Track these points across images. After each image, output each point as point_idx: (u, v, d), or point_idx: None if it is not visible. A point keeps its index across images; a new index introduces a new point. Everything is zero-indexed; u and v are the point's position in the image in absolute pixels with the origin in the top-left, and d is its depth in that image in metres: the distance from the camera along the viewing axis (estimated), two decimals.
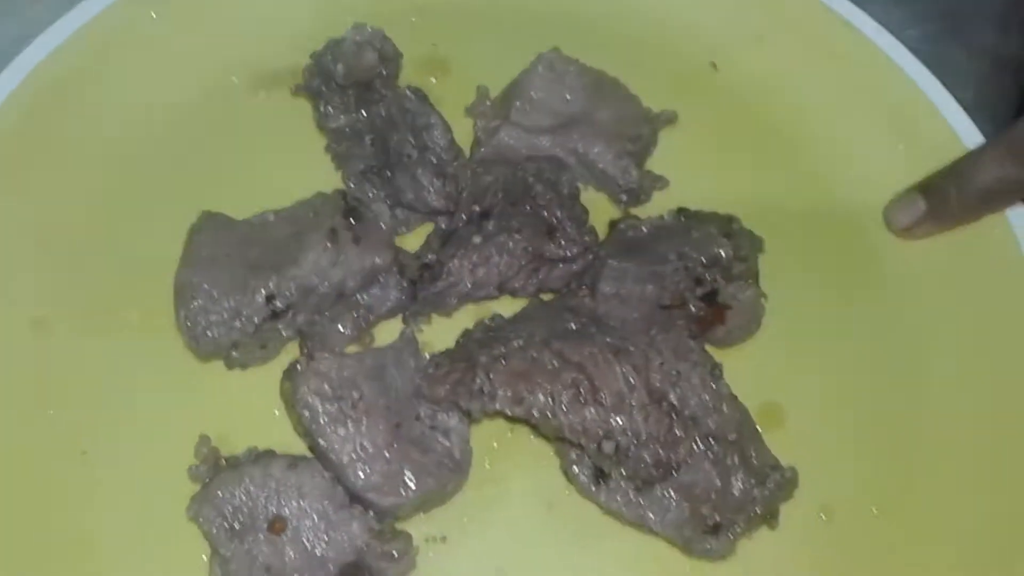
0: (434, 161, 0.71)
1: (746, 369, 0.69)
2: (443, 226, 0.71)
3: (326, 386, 0.62)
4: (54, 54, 0.74)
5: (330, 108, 0.74)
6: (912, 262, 0.74)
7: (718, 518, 0.62)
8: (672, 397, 0.63)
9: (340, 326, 0.69)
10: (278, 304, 0.66)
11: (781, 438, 0.66)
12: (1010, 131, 0.69)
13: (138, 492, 0.65)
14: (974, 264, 0.73)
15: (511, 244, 0.68)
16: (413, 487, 0.62)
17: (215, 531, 0.61)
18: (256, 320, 0.66)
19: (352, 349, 0.69)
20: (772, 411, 0.69)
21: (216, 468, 0.64)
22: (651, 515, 0.63)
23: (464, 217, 0.70)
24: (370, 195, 0.72)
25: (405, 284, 0.69)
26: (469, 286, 0.68)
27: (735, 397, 0.65)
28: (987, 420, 0.69)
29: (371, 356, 0.65)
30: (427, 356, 0.67)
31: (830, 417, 0.69)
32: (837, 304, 0.73)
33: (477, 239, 0.68)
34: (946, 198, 0.72)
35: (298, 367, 0.62)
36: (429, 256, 0.69)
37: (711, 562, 0.63)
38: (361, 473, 0.61)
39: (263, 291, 0.66)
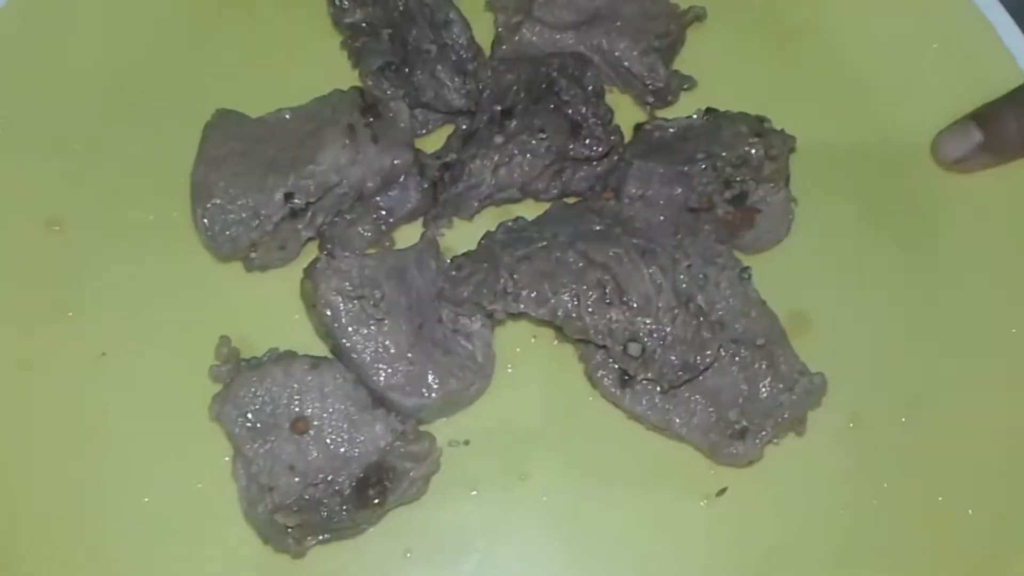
0: (454, 58, 0.69)
1: (774, 275, 0.67)
2: (463, 127, 0.69)
3: (347, 284, 0.60)
4: None
5: (345, 2, 0.72)
6: (952, 184, 0.71)
7: (745, 423, 0.62)
8: (699, 300, 0.62)
9: (360, 228, 0.68)
10: (297, 202, 0.64)
11: (809, 345, 0.65)
12: None
13: (159, 393, 0.65)
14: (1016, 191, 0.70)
15: (534, 143, 0.66)
16: (436, 387, 0.61)
17: (237, 431, 0.60)
18: (275, 219, 0.64)
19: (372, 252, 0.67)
20: (800, 318, 0.68)
21: (237, 368, 0.63)
22: (676, 419, 0.62)
23: (485, 117, 0.68)
24: (388, 93, 0.70)
25: (425, 186, 0.68)
26: (491, 187, 0.66)
27: (763, 302, 0.64)
28: (1015, 331, 0.67)
29: (392, 257, 0.63)
30: (448, 259, 0.65)
31: (859, 326, 0.68)
32: (870, 215, 0.71)
33: (499, 139, 0.66)
34: (1005, 128, 0.67)
35: (318, 265, 0.61)
36: (450, 156, 0.67)
37: (736, 467, 0.63)
38: (383, 373, 0.60)
39: (281, 189, 0.64)
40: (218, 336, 0.64)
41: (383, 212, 0.68)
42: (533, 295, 0.60)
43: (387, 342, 0.61)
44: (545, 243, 0.62)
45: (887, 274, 0.69)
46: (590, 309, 0.60)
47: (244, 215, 0.64)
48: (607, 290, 0.61)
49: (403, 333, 0.61)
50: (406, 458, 0.61)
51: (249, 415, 0.60)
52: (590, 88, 0.67)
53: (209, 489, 0.62)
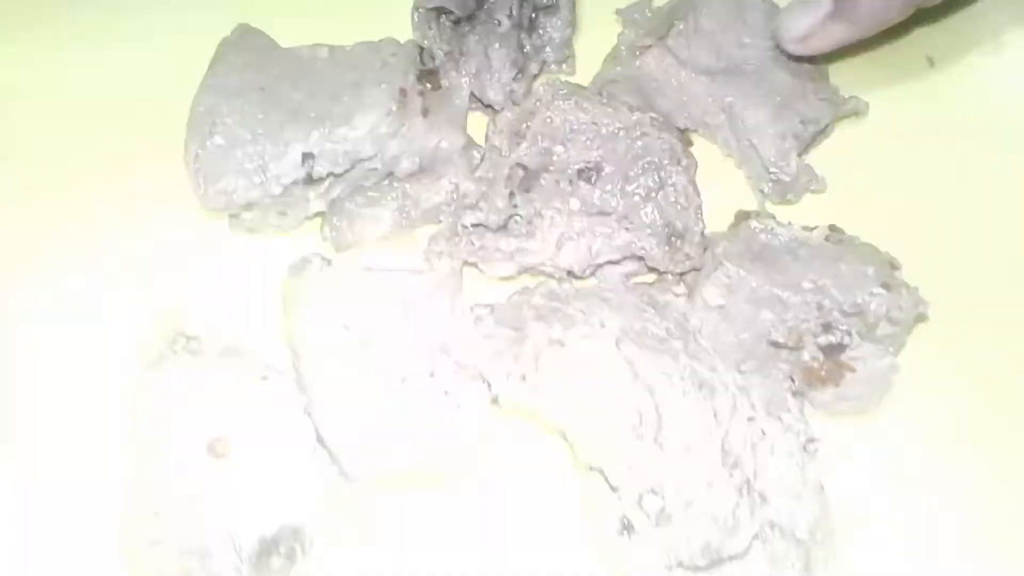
0: (525, 49, 0.57)
1: (840, 448, 0.54)
2: (501, 148, 0.55)
3: (337, 307, 0.48)
4: None
5: None
6: None
7: None
8: (748, 468, 0.49)
9: (379, 212, 0.55)
10: (317, 168, 0.52)
11: (858, 550, 0.52)
12: None
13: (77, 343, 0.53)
14: None
15: (618, 239, 0.53)
16: (391, 464, 0.49)
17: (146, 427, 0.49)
18: (285, 180, 0.53)
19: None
20: (857, 509, 0.54)
21: (172, 346, 0.51)
22: None
23: (546, 148, 0.54)
24: (438, 52, 0.57)
25: (463, 194, 0.55)
26: (543, 259, 0.53)
27: (822, 487, 0.51)
28: None
29: (402, 282, 0.51)
30: (468, 303, 0.52)
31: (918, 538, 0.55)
32: (979, 408, 0.57)
33: (574, 203, 0.53)
34: None
35: (309, 268, 0.48)
36: (501, 204, 0.53)
37: None
38: (340, 426, 0.48)
39: (301, 146, 0.52)
40: (167, 300, 0.53)
41: (410, 200, 0.56)
42: (552, 396, 0.48)
43: (358, 388, 0.48)
44: (588, 331, 0.50)
45: (973, 491, 0.56)
46: (616, 439, 0.47)
47: (248, 166, 0.52)
48: (643, 419, 0.48)
49: (381, 383, 0.49)
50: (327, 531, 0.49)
51: (166, 413, 0.49)
52: (685, 180, 0.54)
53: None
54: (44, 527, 0.50)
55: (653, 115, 0.55)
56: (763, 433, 0.51)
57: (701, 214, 0.54)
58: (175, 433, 0.49)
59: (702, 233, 0.53)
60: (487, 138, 0.56)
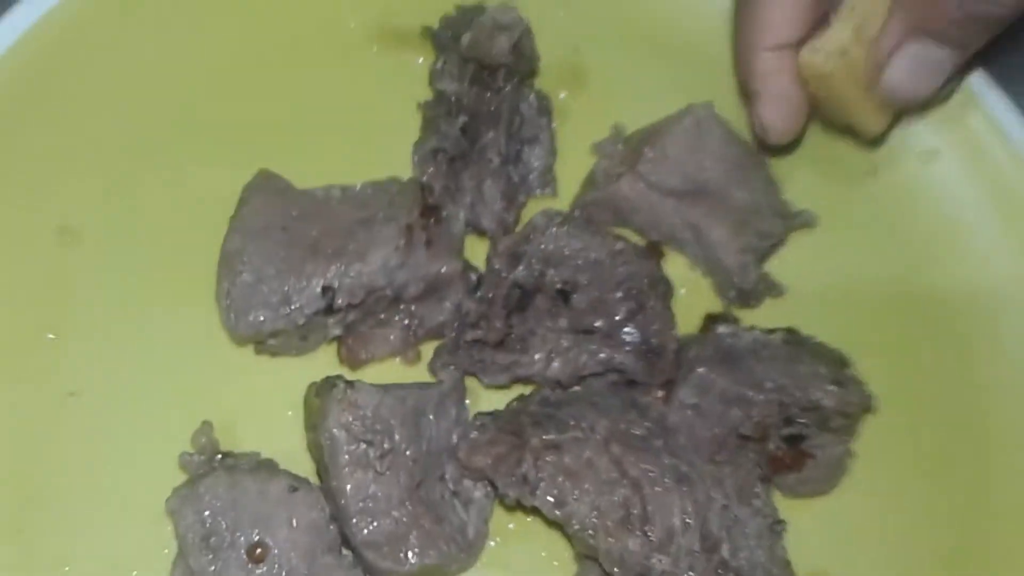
0: (514, 180, 0.64)
1: (806, 525, 0.61)
2: (501, 271, 0.62)
3: (359, 424, 0.55)
4: None
5: (447, 67, 0.65)
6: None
7: None
8: (724, 550, 0.56)
9: (389, 333, 0.62)
10: (337, 300, 0.59)
11: None
12: None
13: (117, 462, 0.59)
14: None
15: (602, 355, 0.60)
16: (415, 557, 0.55)
17: (190, 536, 0.54)
18: (307, 311, 0.59)
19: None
20: None
21: (210, 463, 0.57)
22: None
23: (539, 271, 0.61)
24: (436, 187, 0.64)
25: (461, 324, 0.61)
26: (535, 373, 0.60)
27: (788, 563, 0.58)
28: None
29: (413, 397, 0.57)
30: (469, 410, 0.59)
31: None
32: (928, 492, 0.64)
33: (563, 322, 0.60)
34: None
35: (335, 391, 0.55)
36: (499, 324, 0.60)
37: None
38: (365, 528, 0.55)
39: (320, 280, 0.59)
40: (200, 416, 0.58)
41: (415, 320, 0.62)
42: (553, 494, 0.55)
43: (379, 494, 0.55)
44: (580, 433, 0.57)
45: (923, 557, 0.63)
46: (608, 530, 0.54)
47: (274, 299, 0.59)
48: (632, 513, 0.55)
49: (399, 487, 0.55)
50: None
51: (207, 523, 0.54)
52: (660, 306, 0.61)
53: None
54: None
55: (636, 244, 0.62)
56: (736, 518, 0.57)
57: (675, 333, 0.61)
58: (218, 541, 0.55)
59: (675, 351, 0.60)
60: (488, 261, 0.62)
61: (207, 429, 0.58)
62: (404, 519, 0.55)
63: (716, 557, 0.55)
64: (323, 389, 0.56)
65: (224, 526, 0.55)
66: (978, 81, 0.69)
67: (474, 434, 0.57)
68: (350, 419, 0.55)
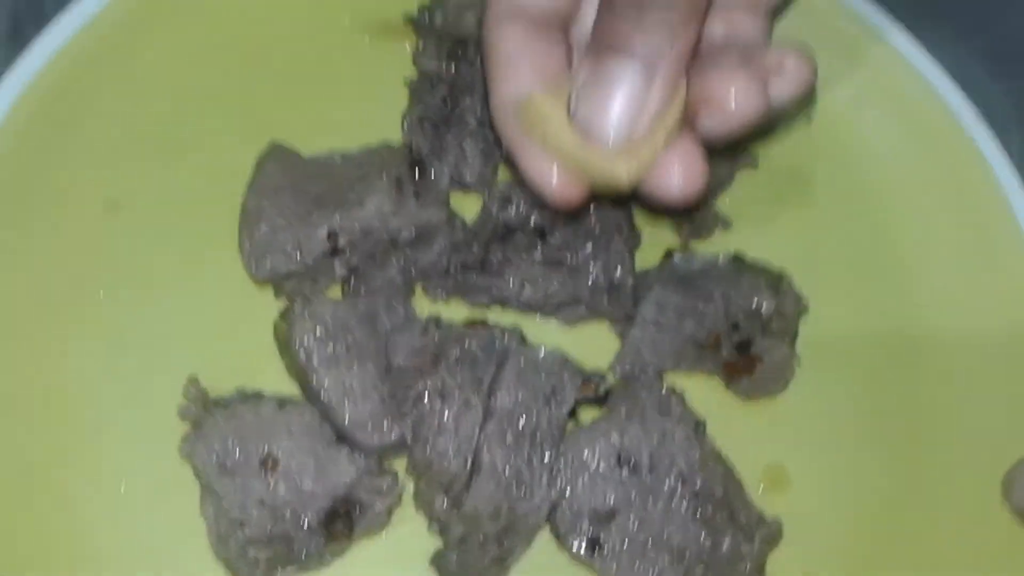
0: (489, 139, 0.73)
1: (762, 425, 0.70)
2: (493, 210, 0.72)
3: (322, 328, 0.64)
4: None
5: (427, 48, 0.76)
6: (969, 379, 0.73)
7: None
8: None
9: (389, 272, 0.71)
10: (340, 241, 0.68)
11: (780, 499, 0.68)
12: None
13: (163, 399, 0.67)
14: None
15: (569, 286, 0.69)
16: (395, 428, 0.64)
17: (208, 469, 0.63)
18: (315, 253, 0.69)
19: None
20: (779, 472, 0.70)
21: (206, 408, 0.66)
22: None
23: (521, 209, 0.71)
24: (423, 149, 0.74)
25: (449, 254, 0.71)
26: (509, 295, 0.70)
27: (719, 454, 0.67)
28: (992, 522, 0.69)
29: (363, 303, 0.67)
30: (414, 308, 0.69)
31: (832, 490, 0.70)
32: (870, 386, 0.73)
33: (537, 255, 0.70)
34: None
35: (295, 309, 0.65)
36: (477, 250, 0.70)
37: None
38: (349, 413, 0.64)
39: (325, 226, 0.69)
40: (222, 357, 0.68)
41: (409, 262, 0.72)
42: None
43: (354, 384, 0.64)
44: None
45: (872, 448, 0.72)
46: None
47: (287, 246, 0.69)
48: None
49: (370, 375, 0.65)
50: (370, 491, 0.64)
51: (219, 454, 0.64)
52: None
53: (176, 524, 0.65)
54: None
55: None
56: (664, 433, 0.66)
57: (633, 273, 0.70)
58: (233, 464, 0.63)
59: (633, 288, 0.69)
60: (483, 203, 0.72)
61: (194, 381, 0.66)
62: (380, 398, 0.64)
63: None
64: (285, 312, 0.66)
65: (234, 452, 0.63)
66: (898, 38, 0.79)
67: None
68: (314, 327, 0.64)
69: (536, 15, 0.59)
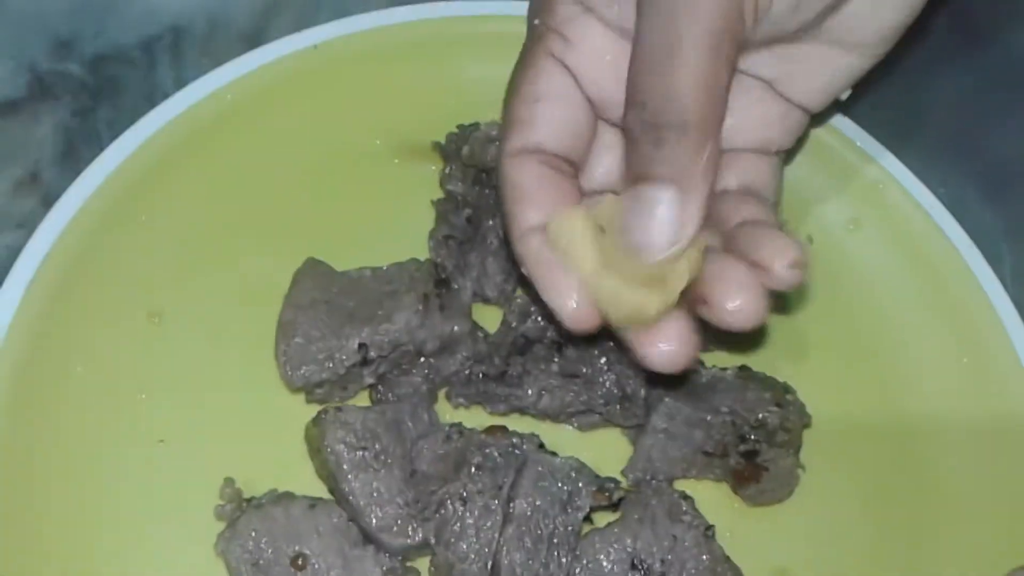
0: (510, 257, 0.77)
1: (768, 531, 0.74)
2: (513, 323, 0.76)
3: (352, 436, 0.69)
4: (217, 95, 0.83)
5: (453, 172, 0.81)
6: (967, 482, 0.76)
7: None
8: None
9: (414, 381, 0.76)
10: (370, 353, 0.73)
11: None
12: None
13: (197, 501, 0.71)
14: None
15: (584, 397, 0.74)
16: (420, 531, 0.68)
17: (242, 567, 0.67)
18: (347, 364, 0.73)
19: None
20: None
21: (240, 508, 0.70)
22: None
23: (539, 323, 0.75)
24: (448, 266, 0.78)
25: (471, 364, 0.76)
26: (528, 405, 0.74)
27: (727, 558, 0.70)
28: None
29: (391, 410, 0.71)
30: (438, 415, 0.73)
31: None
32: (873, 491, 0.76)
33: (554, 367, 0.74)
34: None
35: (326, 417, 0.69)
36: (498, 361, 0.75)
37: None
38: (375, 516, 0.68)
39: (356, 339, 0.73)
40: (257, 459, 0.72)
41: (433, 370, 0.76)
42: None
43: (381, 488, 0.68)
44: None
45: (875, 550, 0.75)
46: None
47: (320, 356, 0.73)
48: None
49: (396, 479, 0.69)
50: None
51: (252, 552, 0.67)
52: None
53: None
54: None
55: None
56: (674, 538, 0.69)
57: (644, 384, 0.74)
58: (265, 563, 0.67)
59: (644, 399, 0.73)
60: (504, 317, 0.76)
61: (230, 483, 0.71)
62: (405, 502, 0.68)
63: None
64: (317, 419, 0.70)
65: (267, 550, 0.67)
66: (891, 162, 0.85)
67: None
68: (344, 434, 0.68)
69: (550, 153, 0.63)
